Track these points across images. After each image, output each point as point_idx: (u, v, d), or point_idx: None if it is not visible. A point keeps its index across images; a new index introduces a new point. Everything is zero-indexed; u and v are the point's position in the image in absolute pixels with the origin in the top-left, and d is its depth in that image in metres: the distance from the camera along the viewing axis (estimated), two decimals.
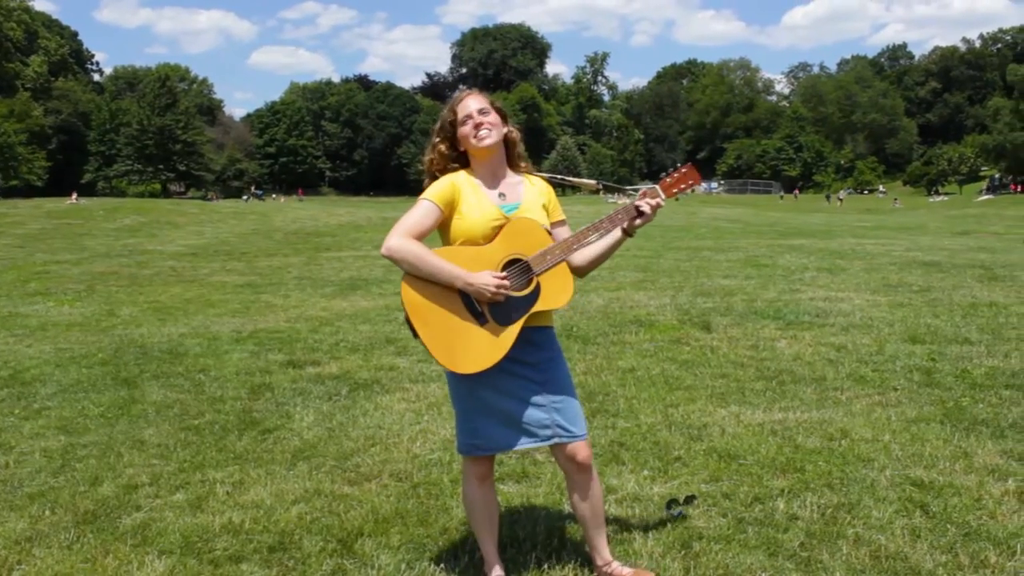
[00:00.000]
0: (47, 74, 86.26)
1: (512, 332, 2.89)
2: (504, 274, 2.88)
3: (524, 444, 2.99)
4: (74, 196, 48.46)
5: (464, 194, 2.98)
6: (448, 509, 3.82)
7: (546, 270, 2.90)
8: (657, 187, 3.01)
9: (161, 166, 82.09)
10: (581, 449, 3.01)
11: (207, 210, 37.62)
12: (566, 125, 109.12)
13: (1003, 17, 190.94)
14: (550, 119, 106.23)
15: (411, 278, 2.90)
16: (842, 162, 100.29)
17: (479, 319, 2.89)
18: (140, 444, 5.01)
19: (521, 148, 3.13)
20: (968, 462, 4.18)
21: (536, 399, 2.96)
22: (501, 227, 2.93)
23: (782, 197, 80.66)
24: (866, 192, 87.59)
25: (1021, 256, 14.80)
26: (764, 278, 11.53)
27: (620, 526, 3.56)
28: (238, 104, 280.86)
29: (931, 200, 69.11)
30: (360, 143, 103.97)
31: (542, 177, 3.14)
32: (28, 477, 4.50)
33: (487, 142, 2.97)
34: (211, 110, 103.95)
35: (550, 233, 3.00)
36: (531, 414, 2.96)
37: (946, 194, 74.66)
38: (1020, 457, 4.24)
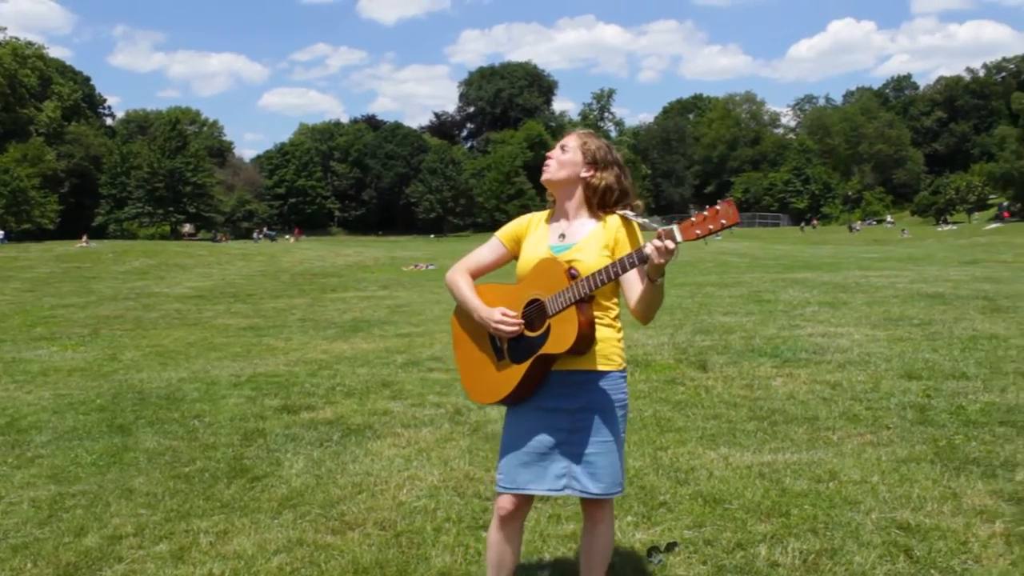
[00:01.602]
0: (60, 119, 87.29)
1: (521, 371, 2.88)
2: (511, 311, 2.90)
3: (536, 489, 2.92)
4: (84, 239, 48.83)
5: (529, 232, 3.09)
6: (428, 559, 3.79)
7: (556, 312, 2.81)
8: (675, 228, 2.57)
9: (171, 208, 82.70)
10: (592, 508, 2.99)
11: (215, 252, 37.84)
12: None
13: (1007, 46, 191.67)
14: None
15: (458, 309, 3.12)
16: (850, 193, 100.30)
17: (498, 355, 2.97)
18: (129, 493, 5.00)
19: (610, 197, 2.99)
20: (956, 503, 4.14)
21: (560, 448, 2.89)
22: None
23: (802, 229, 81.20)
24: (875, 223, 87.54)
25: None
26: (765, 314, 11.50)
27: None
28: (248, 145, 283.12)
29: (939, 229, 68.98)
30: (369, 183, 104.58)
31: (623, 216, 2.96)
32: (14, 528, 4.48)
33: (544, 176, 3.06)
34: (221, 152, 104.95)
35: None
36: (550, 461, 2.90)
37: (955, 223, 74.51)
38: (1010, 497, 4.20)
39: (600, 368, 2.90)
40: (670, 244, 2.57)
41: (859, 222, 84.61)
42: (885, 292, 13.81)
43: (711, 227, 2.52)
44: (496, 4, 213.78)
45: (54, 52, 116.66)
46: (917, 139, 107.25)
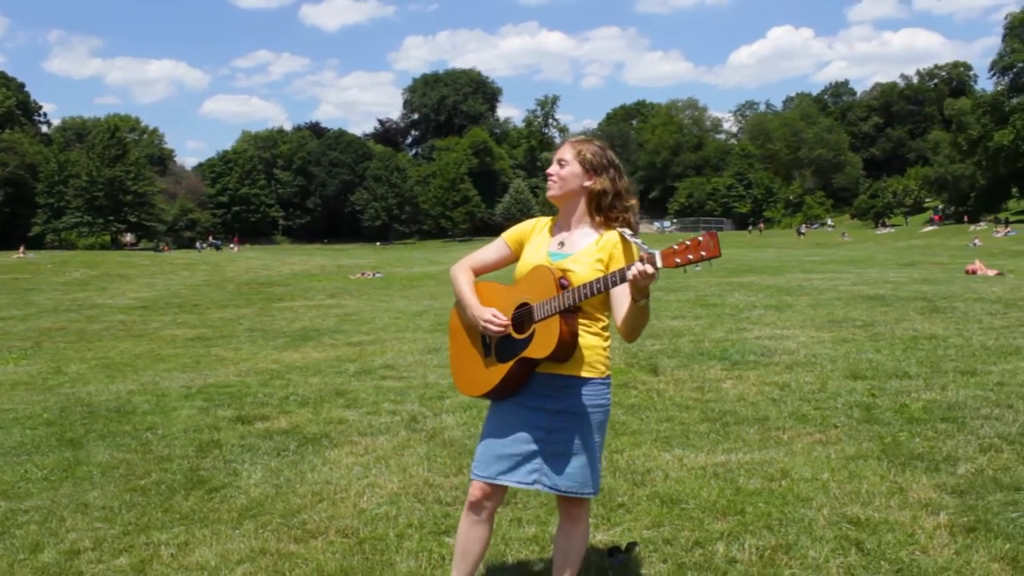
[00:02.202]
0: None
1: (503, 370, 3.01)
2: (500, 312, 3.01)
3: (507, 480, 3.04)
4: (22, 250, 47.75)
5: (532, 236, 3.19)
6: (392, 564, 3.83)
7: (542, 319, 2.91)
8: (656, 254, 2.64)
9: (112, 217, 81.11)
10: (570, 507, 3.11)
11: (158, 261, 37.29)
12: (518, 168, 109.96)
13: (938, 54, 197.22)
14: (502, 162, 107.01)
15: (459, 303, 3.23)
16: (791, 197, 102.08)
17: (485, 351, 3.11)
18: (84, 507, 4.94)
19: (605, 201, 3.07)
20: (903, 497, 4.30)
21: (536, 444, 3.00)
22: None
23: (750, 231, 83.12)
24: (819, 226, 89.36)
25: (962, 287, 15.17)
26: (712, 318, 11.70)
27: None
28: (190, 153, 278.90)
29: (878, 232, 70.53)
30: (313, 191, 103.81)
31: (621, 234, 3.02)
32: None
33: (549, 193, 3.15)
34: (162, 160, 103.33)
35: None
36: (525, 455, 3.01)
37: (893, 226, 76.28)
38: (952, 490, 4.37)
39: (583, 375, 3.00)
40: (649, 269, 2.64)
41: (804, 225, 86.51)
42: (828, 294, 14.14)
43: (691, 257, 2.59)
44: (439, 11, 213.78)
45: None
46: (855, 144, 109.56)
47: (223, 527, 4.45)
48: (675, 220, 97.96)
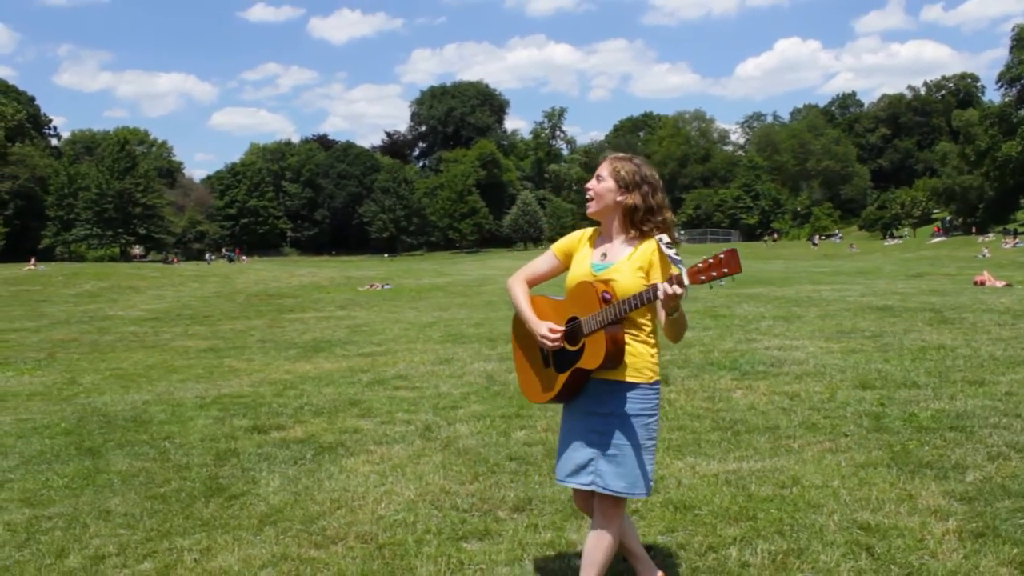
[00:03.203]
0: (3, 140, 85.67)
1: (561, 380, 3.24)
2: (556, 326, 3.21)
3: (572, 483, 3.27)
4: (32, 262, 48.01)
5: (579, 248, 3.37)
6: (412, 569, 3.91)
7: (590, 332, 3.10)
8: (683, 273, 2.86)
9: (121, 230, 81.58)
10: (605, 506, 3.24)
11: (168, 273, 37.47)
12: (526, 180, 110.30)
13: (946, 65, 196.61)
14: (509, 174, 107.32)
15: (517, 315, 3.45)
16: (799, 208, 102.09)
17: (545, 361, 3.35)
18: (106, 514, 5.03)
19: (637, 216, 3.22)
20: (912, 504, 4.36)
21: (592, 447, 3.21)
22: None
23: (765, 242, 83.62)
24: (825, 237, 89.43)
25: (970, 298, 15.21)
26: (722, 328, 11.76)
27: None
28: (198, 166, 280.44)
29: (886, 243, 70.48)
30: (321, 202, 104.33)
31: (658, 242, 3.13)
32: None
33: (589, 209, 3.31)
34: (171, 172, 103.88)
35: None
36: (583, 458, 3.22)
37: (900, 237, 76.20)
38: (961, 497, 4.44)
39: (631, 380, 3.18)
40: (678, 290, 2.88)
41: (817, 235, 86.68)
42: (837, 306, 14.20)
43: (714, 274, 2.83)
44: (447, 23, 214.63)
45: None
46: (863, 155, 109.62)
47: (244, 533, 4.54)
48: (683, 232, 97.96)
